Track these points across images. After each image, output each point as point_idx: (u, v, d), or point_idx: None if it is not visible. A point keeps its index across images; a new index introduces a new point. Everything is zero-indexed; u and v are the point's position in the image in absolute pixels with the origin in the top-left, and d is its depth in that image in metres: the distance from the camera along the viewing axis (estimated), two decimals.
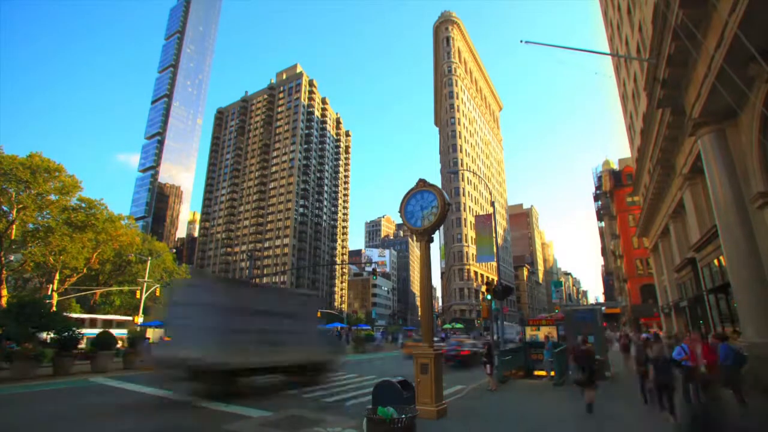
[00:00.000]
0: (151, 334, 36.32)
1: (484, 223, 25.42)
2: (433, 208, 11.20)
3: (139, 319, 40.31)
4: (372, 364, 25.85)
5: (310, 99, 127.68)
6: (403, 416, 5.59)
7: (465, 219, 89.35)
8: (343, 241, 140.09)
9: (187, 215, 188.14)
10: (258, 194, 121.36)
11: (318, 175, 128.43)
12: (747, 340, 11.57)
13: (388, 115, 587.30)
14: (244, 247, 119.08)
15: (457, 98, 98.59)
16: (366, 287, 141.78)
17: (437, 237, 68.13)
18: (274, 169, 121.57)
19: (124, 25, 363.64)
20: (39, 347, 18.23)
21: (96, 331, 25.48)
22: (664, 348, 10.58)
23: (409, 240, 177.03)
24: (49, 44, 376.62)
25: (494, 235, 23.49)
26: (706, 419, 7.51)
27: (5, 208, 38.38)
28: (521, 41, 13.41)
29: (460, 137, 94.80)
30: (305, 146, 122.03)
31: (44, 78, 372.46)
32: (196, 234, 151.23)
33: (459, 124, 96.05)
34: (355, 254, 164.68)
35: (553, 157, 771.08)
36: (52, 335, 20.13)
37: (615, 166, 64.60)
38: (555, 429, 9.49)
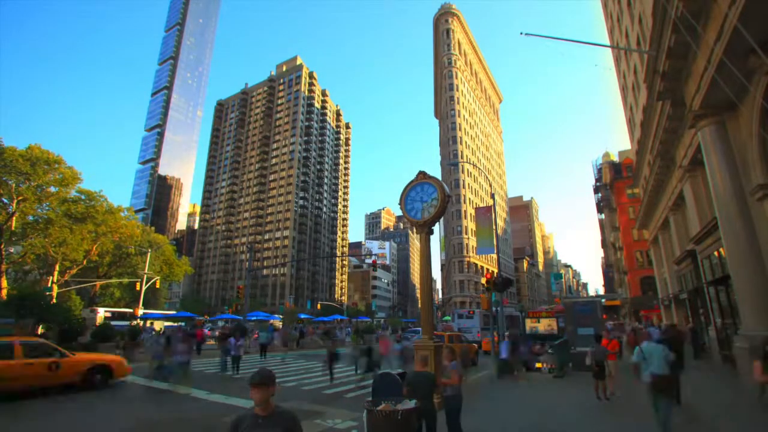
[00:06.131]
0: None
1: (484, 215, 25.33)
2: (433, 200, 11.20)
3: (140, 311, 40.47)
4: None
5: (310, 91, 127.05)
6: (403, 408, 5.62)
7: (465, 211, 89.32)
8: (343, 233, 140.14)
9: (187, 207, 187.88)
10: (258, 186, 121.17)
11: (318, 167, 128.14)
12: (747, 332, 11.64)
13: (388, 108, 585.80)
14: (243, 239, 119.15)
15: (457, 90, 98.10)
16: (366, 279, 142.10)
17: (437, 229, 68.12)
18: (274, 161, 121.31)
19: (124, 16, 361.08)
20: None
21: None
22: None
23: (409, 232, 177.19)
24: (48, 37, 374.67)
25: (494, 227, 23.46)
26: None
27: (5, 200, 38.23)
28: (521, 33, 13.31)
29: (460, 129, 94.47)
30: (305, 138, 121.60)
31: (43, 70, 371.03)
32: (196, 226, 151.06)
33: (459, 116, 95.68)
34: (356, 246, 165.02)
35: (553, 150, 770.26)
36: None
37: (615, 158, 64.40)
38: (556, 418, 9.58)
